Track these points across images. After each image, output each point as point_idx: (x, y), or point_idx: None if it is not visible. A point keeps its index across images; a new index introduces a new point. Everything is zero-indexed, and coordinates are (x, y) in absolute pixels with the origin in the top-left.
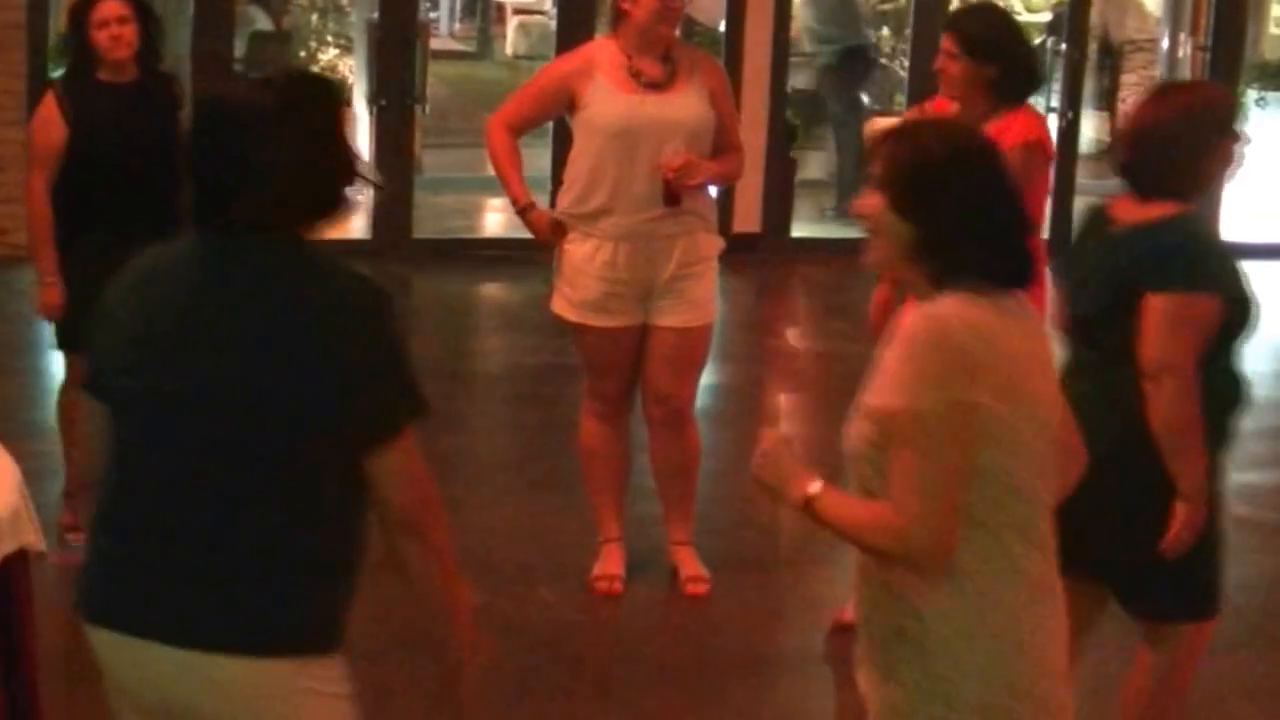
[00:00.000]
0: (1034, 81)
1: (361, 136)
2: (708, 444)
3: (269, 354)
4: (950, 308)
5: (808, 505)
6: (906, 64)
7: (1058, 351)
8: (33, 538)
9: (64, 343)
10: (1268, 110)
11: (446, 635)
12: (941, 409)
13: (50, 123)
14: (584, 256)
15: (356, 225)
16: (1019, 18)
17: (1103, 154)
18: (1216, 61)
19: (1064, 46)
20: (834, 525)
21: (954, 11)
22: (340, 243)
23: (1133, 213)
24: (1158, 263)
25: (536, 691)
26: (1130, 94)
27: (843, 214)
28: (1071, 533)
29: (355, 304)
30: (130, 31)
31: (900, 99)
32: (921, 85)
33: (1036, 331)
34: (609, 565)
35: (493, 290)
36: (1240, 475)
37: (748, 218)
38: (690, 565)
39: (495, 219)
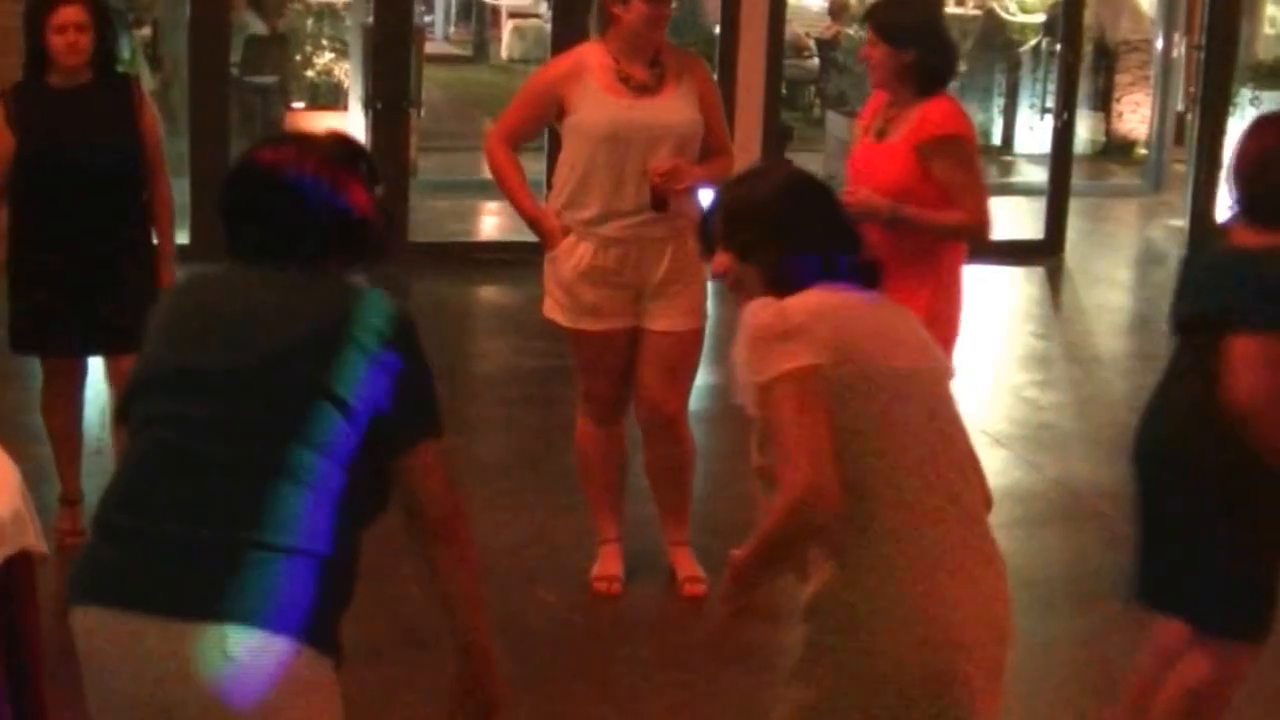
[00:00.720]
0: (952, 68)
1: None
2: (703, 445)
3: (318, 349)
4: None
5: (738, 568)
6: None
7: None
8: (34, 540)
9: (19, 345)
10: (1262, 109)
11: (467, 640)
12: (784, 375)
13: None
14: (574, 260)
15: None
16: (1014, 18)
17: (1098, 155)
18: (1211, 62)
19: (1059, 47)
20: (759, 548)
21: (874, 2)
22: None
23: (1247, 239)
24: (1258, 297)
25: (536, 692)
26: (1125, 94)
27: None
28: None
29: (396, 314)
30: (87, 40)
31: None
32: None
33: (892, 313)
34: (608, 566)
35: (489, 293)
36: None
37: None
38: (688, 566)
39: (491, 222)
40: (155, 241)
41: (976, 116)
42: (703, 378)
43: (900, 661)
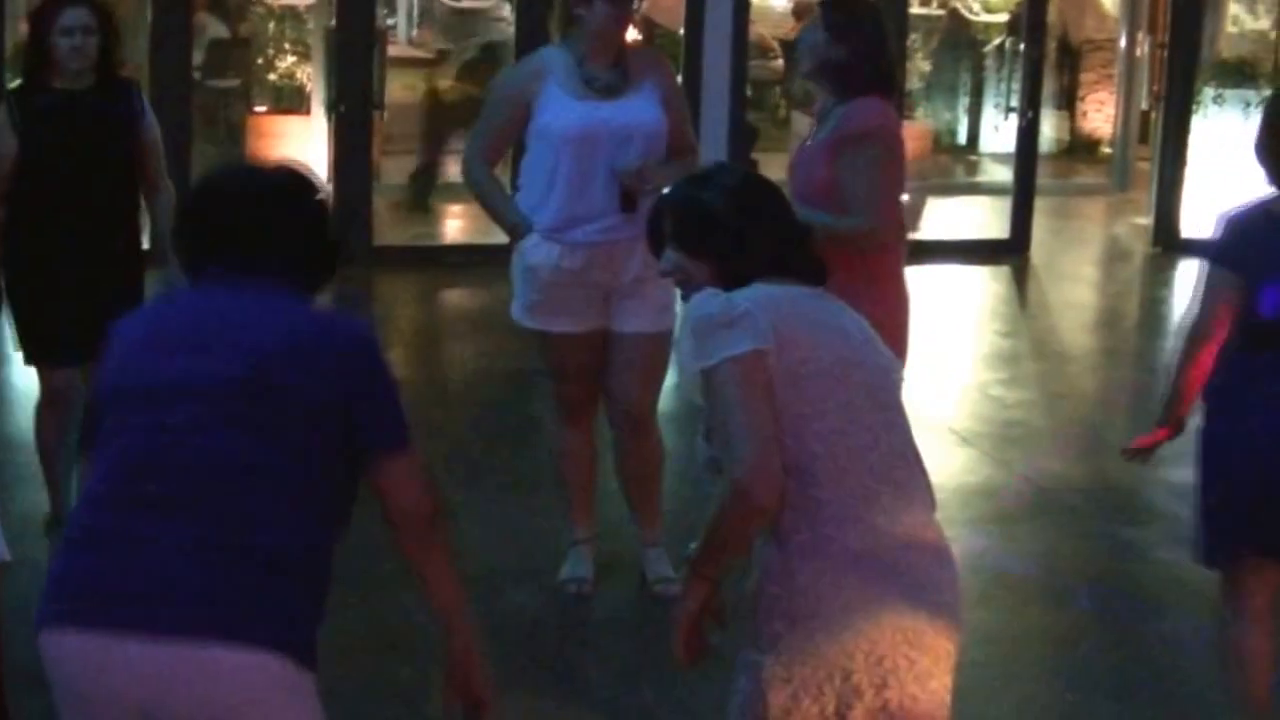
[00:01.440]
0: (880, 77)
1: (320, 144)
2: (674, 446)
3: (292, 361)
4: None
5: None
6: None
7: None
8: (1, 548)
9: (32, 357)
10: (1225, 107)
11: (451, 644)
12: (728, 360)
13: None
14: (542, 262)
15: None
16: (978, 18)
17: (1063, 153)
18: (1174, 60)
19: (1023, 46)
20: (711, 537)
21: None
22: None
23: None
24: None
25: (509, 692)
26: (1089, 93)
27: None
28: None
29: (361, 330)
30: (93, 44)
31: None
32: None
33: (834, 307)
34: (579, 567)
35: (455, 296)
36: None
37: None
38: (658, 566)
39: (456, 225)
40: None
41: (941, 116)
42: (670, 379)
43: (845, 647)
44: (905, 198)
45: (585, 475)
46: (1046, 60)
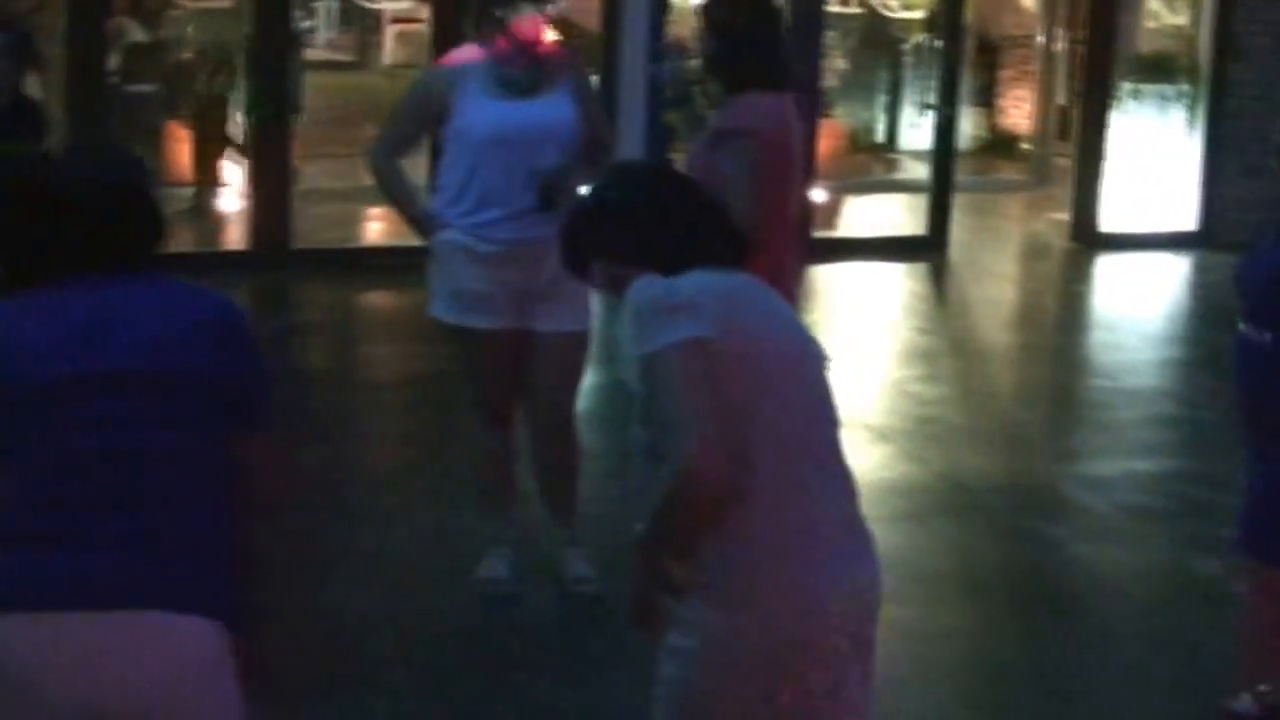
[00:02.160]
0: (763, 71)
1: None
2: (592, 446)
3: (183, 341)
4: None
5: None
6: None
7: None
8: None
9: None
10: (1142, 102)
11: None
12: (672, 346)
13: None
14: (461, 261)
15: (234, 237)
16: (896, 15)
17: (982, 150)
18: (1092, 56)
19: (940, 43)
20: (658, 526)
21: None
22: (219, 254)
23: None
24: None
25: (429, 694)
26: (1008, 90)
27: None
28: None
29: (233, 303)
30: (9, 67)
31: None
32: None
33: (769, 295)
34: (498, 568)
35: (376, 299)
36: (1129, 463)
37: None
38: (577, 566)
39: (375, 228)
40: None
41: (860, 114)
42: (588, 379)
43: (773, 631)
44: (816, 194)
45: (505, 476)
46: (965, 57)
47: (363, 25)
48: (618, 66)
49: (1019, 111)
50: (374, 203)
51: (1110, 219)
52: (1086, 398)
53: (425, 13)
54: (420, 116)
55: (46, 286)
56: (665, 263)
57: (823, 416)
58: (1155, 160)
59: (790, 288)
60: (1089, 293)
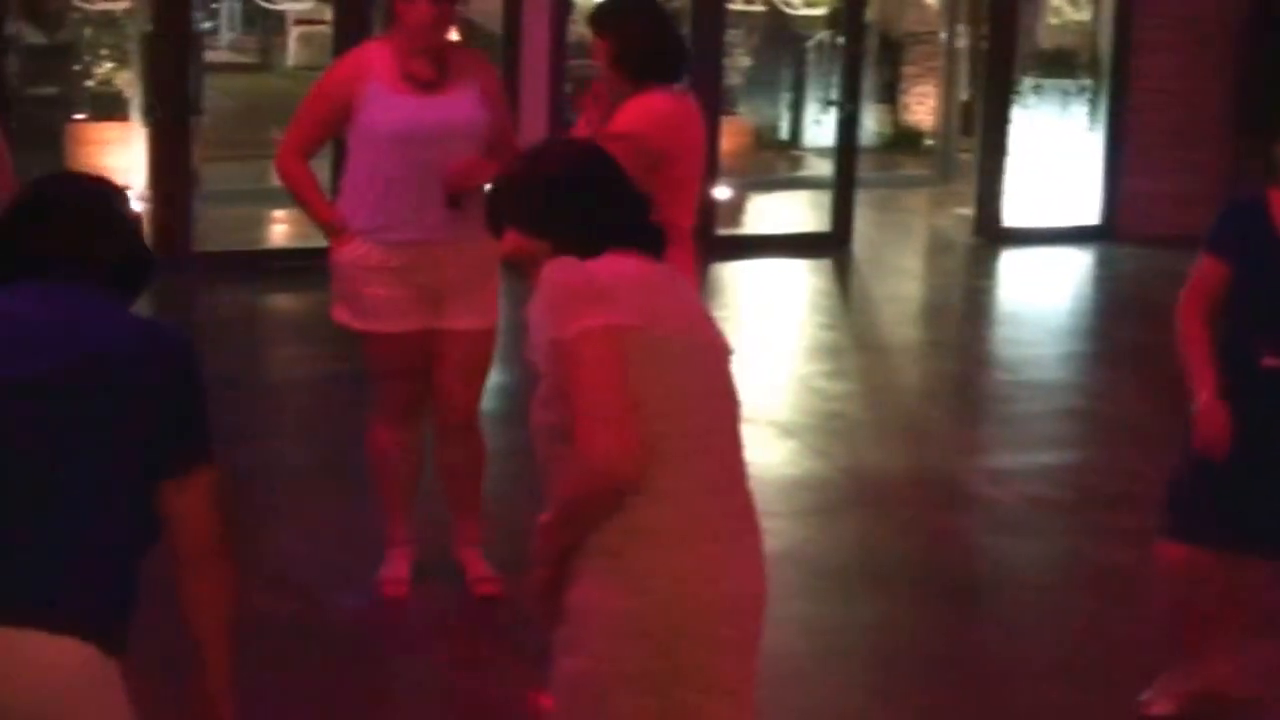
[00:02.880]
0: (655, 62)
1: (139, 150)
2: (496, 446)
3: (116, 359)
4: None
5: (542, 533)
6: None
7: None
8: None
9: None
10: (1044, 97)
11: (206, 685)
12: (588, 333)
13: None
14: (367, 263)
15: None
16: (798, 13)
17: (887, 147)
18: (994, 51)
19: (842, 40)
20: (557, 519)
21: None
22: None
23: None
24: None
25: (331, 695)
26: (912, 86)
27: None
28: None
29: (183, 337)
30: None
31: None
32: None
33: (683, 286)
34: (396, 569)
35: (278, 301)
36: (1032, 456)
37: None
38: (478, 566)
39: (279, 230)
40: None
41: (764, 112)
42: (493, 379)
43: (666, 623)
44: (720, 192)
45: (408, 477)
46: (868, 54)
47: (265, 26)
48: (519, 66)
49: (922, 108)
50: (277, 205)
51: (1014, 214)
52: (990, 391)
53: (328, 14)
54: (326, 116)
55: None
56: (579, 243)
57: (725, 410)
58: (1058, 155)
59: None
60: (993, 287)
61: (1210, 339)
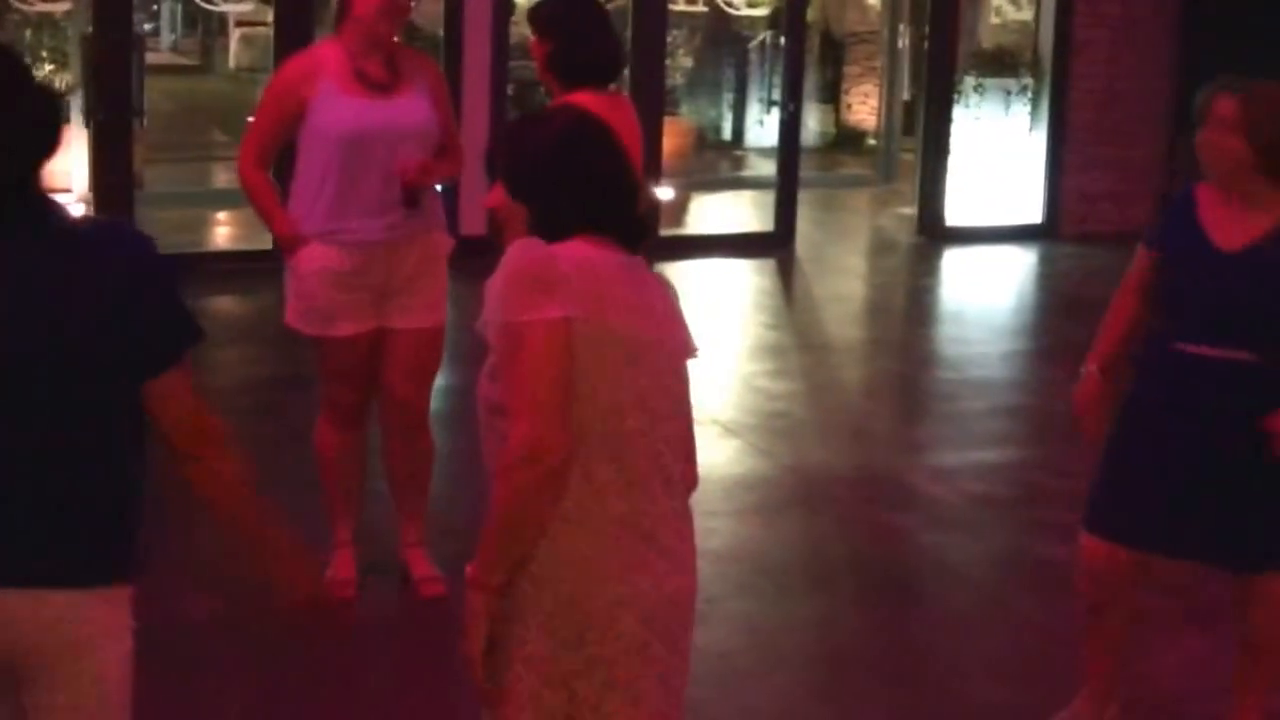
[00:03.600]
0: (588, 64)
1: (80, 152)
2: (442, 446)
3: (60, 297)
4: (546, 241)
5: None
6: None
7: None
8: None
9: None
10: (986, 96)
11: (254, 542)
12: (536, 322)
13: None
14: (320, 267)
15: None
16: (740, 13)
17: (829, 146)
18: (935, 52)
19: (784, 40)
20: (497, 520)
21: None
22: None
23: None
24: None
25: (275, 698)
26: (854, 86)
27: None
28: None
29: (146, 242)
30: None
31: None
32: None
33: (647, 282)
34: (340, 569)
35: (220, 304)
36: (975, 454)
37: (474, 220)
38: (423, 566)
39: (221, 232)
40: None
41: (707, 112)
42: (440, 380)
43: (593, 618)
44: (662, 193)
45: (353, 478)
46: (810, 54)
47: (206, 28)
48: (460, 68)
49: (864, 107)
50: (218, 207)
51: (955, 213)
52: (932, 390)
53: (270, 15)
54: (281, 118)
55: None
56: (556, 217)
57: (671, 413)
58: (1000, 154)
59: None
60: (935, 286)
61: (1127, 322)
